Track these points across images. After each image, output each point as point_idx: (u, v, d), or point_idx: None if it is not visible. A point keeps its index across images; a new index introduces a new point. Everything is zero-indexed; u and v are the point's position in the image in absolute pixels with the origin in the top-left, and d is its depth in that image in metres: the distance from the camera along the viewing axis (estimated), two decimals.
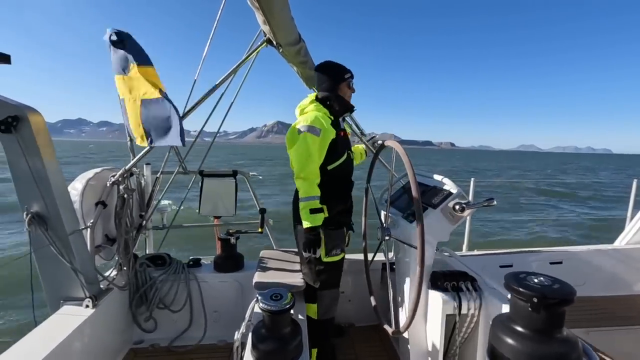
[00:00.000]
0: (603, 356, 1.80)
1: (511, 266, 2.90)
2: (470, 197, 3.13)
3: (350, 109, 2.21)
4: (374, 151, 2.38)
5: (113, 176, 2.18)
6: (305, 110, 2.13)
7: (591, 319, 2.61)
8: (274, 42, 2.23)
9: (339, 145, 2.08)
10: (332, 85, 2.14)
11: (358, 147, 2.57)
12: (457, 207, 1.79)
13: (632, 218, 3.40)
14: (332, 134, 2.03)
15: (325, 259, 2.10)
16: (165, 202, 2.84)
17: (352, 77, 2.18)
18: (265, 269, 2.28)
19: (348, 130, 2.42)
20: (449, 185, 1.94)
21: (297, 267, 2.34)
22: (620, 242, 3.36)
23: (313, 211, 1.97)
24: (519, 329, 1.13)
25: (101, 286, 2.05)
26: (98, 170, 2.23)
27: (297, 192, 2.08)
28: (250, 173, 2.98)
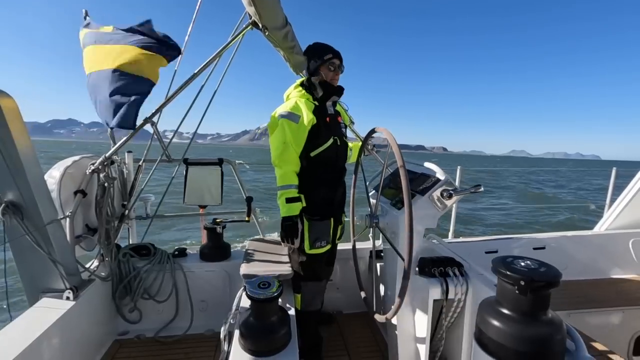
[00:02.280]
0: (584, 337, 1.85)
1: (496, 252, 2.96)
2: (457, 185, 3.16)
3: (336, 92, 2.12)
4: (363, 139, 2.36)
5: (93, 164, 2.10)
6: (289, 97, 2.08)
7: (572, 302, 2.69)
8: (260, 25, 2.16)
9: (323, 131, 2.03)
10: (314, 68, 2.10)
11: (353, 144, 2.50)
12: (444, 194, 1.79)
13: (610, 205, 3.51)
14: (311, 120, 1.97)
15: (309, 251, 2.07)
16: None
17: (334, 57, 2.08)
18: (252, 258, 2.25)
19: (345, 116, 2.34)
20: (437, 172, 1.94)
21: (285, 256, 2.32)
22: (600, 227, 3.47)
23: (289, 200, 1.95)
24: (506, 311, 1.14)
25: (82, 277, 1.99)
26: (77, 158, 2.14)
27: None
28: (237, 161, 2.93)
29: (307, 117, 1.96)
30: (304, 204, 2.02)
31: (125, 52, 1.91)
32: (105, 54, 1.94)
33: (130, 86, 1.88)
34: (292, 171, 1.98)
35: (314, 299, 2.19)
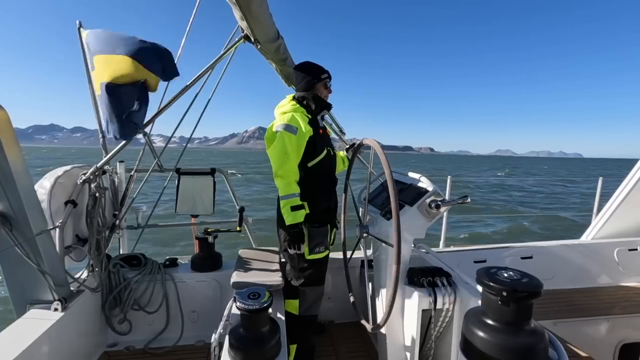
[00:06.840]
0: (569, 346, 1.88)
1: (485, 261, 3.00)
2: (447, 195, 3.21)
3: (327, 107, 2.25)
4: (353, 151, 2.40)
5: (84, 174, 2.09)
6: (283, 110, 2.15)
7: (559, 310, 2.73)
8: (252, 39, 2.20)
9: (318, 142, 2.13)
10: (309, 84, 2.19)
11: (339, 153, 2.58)
12: (432, 204, 1.83)
13: (597, 214, 3.59)
14: (309, 132, 2.07)
15: (308, 257, 2.13)
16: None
17: (329, 77, 2.23)
18: (243, 268, 2.26)
19: (329, 129, 2.45)
20: (425, 183, 1.98)
21: (276, 266, 2.33)
22: (587, 237, 3.53)
23: (294, 208, 2.02)
24: (490, 321, 1.16)
25: (72, 288, 1.97)
26: (68, 168, 2.14)
27: None
28: (229, 171, 2.94)
29: (305, 129, 2.05)
30: (308, 211, 2.09)
31: (123, 63, 1.92)
32: (107, 63, 1.95)
33: (125, 97, 1.91)
34: (294, 181, 2.06)
35: (314, 304, 2.26)
